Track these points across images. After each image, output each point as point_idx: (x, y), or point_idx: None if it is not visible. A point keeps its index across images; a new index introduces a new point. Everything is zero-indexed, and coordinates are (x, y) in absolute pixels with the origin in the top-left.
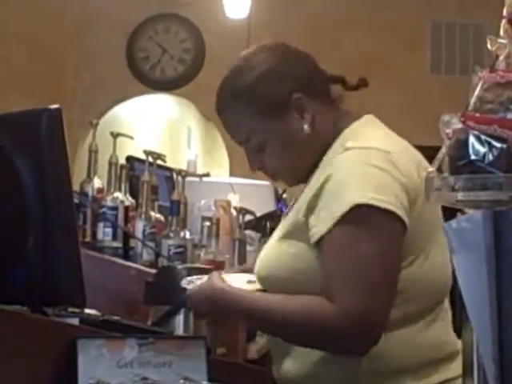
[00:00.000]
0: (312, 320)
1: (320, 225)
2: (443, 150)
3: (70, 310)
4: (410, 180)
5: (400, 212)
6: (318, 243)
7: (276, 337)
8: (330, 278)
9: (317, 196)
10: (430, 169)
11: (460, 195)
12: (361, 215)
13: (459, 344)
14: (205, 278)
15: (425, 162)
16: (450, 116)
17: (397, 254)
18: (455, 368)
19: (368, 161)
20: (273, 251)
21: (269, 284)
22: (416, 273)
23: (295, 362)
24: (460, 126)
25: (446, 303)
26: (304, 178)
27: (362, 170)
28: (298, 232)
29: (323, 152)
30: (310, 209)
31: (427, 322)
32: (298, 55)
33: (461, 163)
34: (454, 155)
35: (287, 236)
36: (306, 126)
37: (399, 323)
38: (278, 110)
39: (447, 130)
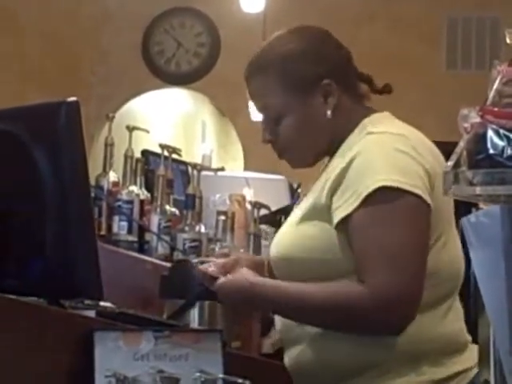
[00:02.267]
0: (345, 305)
1: (345, 205)
2: (461, 144)
3: (87, 302)
4: (431, 166)
5: (424, 195)
6: (342, 223)
7: (311, 325)
8: (360, 257)
9: (341, 176)
10: (449, 163)
11: (478, 189)
12: (387, 197)
13: (468, 335)
14: (217, 261)
15: (441, 156)
16: (469, 110)
17: (425, 235)
18: (467, 359)
19: (393, 145)
20: (290, 234)
21: (286, 265)
22: (435, 258)
23: (308, 348)
24: (478, 120)
25: (457, 293)
26: (310, 162)
27: (387, 153)
28: (319, 213)
29: (339, 141)
30: (333, 189)
31: (444, 310)
32: (337, 44)
33: (479, 157)
34: (472, 149)
35: (306, 218)
36: (328, 112)
37: (421, 309)
38: (305, 89)
39: (465, 124)
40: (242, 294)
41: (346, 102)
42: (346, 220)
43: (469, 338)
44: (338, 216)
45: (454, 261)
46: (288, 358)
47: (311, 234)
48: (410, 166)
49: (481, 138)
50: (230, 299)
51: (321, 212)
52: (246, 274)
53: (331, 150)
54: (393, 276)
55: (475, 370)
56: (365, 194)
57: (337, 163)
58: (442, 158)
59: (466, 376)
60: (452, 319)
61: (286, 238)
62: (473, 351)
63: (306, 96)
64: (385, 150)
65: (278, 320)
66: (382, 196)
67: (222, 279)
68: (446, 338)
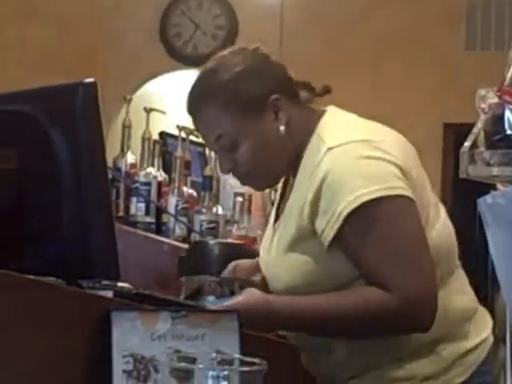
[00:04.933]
0: (373, 312)
1: (328, 226)
2: (479, 125)
3: (104, 282)
4: (400, 159)
5: (406, 192)
6: (334, 243)
7: (336, 337)
8: (371, 268)
9: (316, 199)
10: (465, 143)
11: (495, 170)
12: (371, 209)
13: (476, 302)
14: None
15: (407, 143)
16: (486, 90)
17: (421, 229)
18: (481, 329)
19: (359, 153)
20: (282, 265)
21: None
22: (429, 240)
23: (336, 351)
24: (496, 100)
25: (458, 262)
26: (275, 182)
27: (355, 164)
28: (304, 238)
29: (296, 156)
30: (313, 214)
31: (452, 284)
32: (272, 58)
33: (496, 138)
34: (489, 130)
35: (294, 244)
36: (281, 127)
37: None
38: (254, 109)
39: (483, 105)
40: (258, 313)
41: (295, 114)
42: (336, 240)
43: (478, 304)
44: (326, 239)
45: (445, 234)
46: (317, 367)
47: (303, 260)
48: (383, 169)
49: (498, 119)
50: (248, 321)
51: (306, 237)
52: (255, 292)
53: (292, 166)
54: (411, 276)
55: (491, 339)
56: (345, 213)
57: (305, 185)
58: (408, 144)
59: (486, 346)
60: (462, 288)
61: (280, 271)
62: (484, 317)
63: (257, 116)
64: (353, 162)
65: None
66: (368, 209)
67: (231, 300)
68: (465, 306)
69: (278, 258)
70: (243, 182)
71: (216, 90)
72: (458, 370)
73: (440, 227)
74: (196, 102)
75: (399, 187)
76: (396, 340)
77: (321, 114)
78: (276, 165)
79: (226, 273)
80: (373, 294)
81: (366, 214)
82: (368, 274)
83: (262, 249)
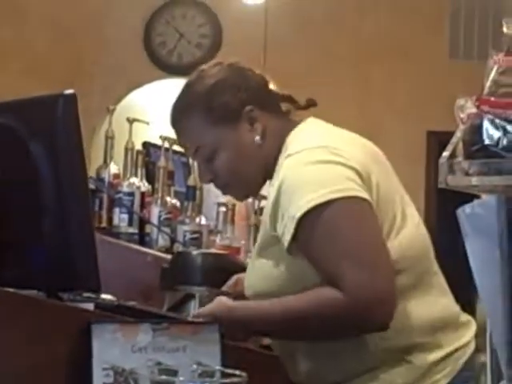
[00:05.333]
0: (327, 313)
1: (285, 230)
2: (457, 135)
3: (85, 295)
4: (361, 164)
5: (360, 193)
6: (292, 247)
7: (297, 340)
8: (324, 268)
9: (276, 205)
10: (444, 153)
11: (474, 180)
12: (323, 212)
13: (458, 308)
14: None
15: (376, 150)
16: (465, 100)
17: (376, 228)
18: (462, 335)
19: (312, 159)
20: (253, 270)
21: (262, 299)
22: (395, 246)
23: (306, 359)
24: (474, 110)
25: (436, 268)
26: (254, 191)
27: (308, 170)
28: (271, 243)
29: (272, 164)
30: (273, 219)
31: (426, 289)
32: (250, 72)
33: (475, 148)
34: (468, 140)
35: (263, 249)
36: (257, 138)
37: (403, 295)
38: (229, 120)
39: (462, 115)
40: (223, 321)
41: (272, 125)
42: (293, 244)
43: (459, 310)
44: (285, 244)
45: (415, 240)
46: (291, 372)
47: (269, 264)
48: (333, 172)
49: (477, 129)
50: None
51: (271, 241)
52: (222, 300)
53: (269, 175)
54: (362, 274)
55: (473, 345)
56: (298, 216)
57: (271, 192)
58: (376, 153)
59: (465, 352)
60: (436, 295)
61: (250, 275)
62: (468, 324)
63: (233, 126)
64: (306, 168)
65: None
66: (318, 213)
67: (196, 311)
68: (436, 315)
69: (251, 263)
70: (224, 192)
71: (193, 103)
72: (434, 378)
73: (409, 232)
74: (176, 114)
75: (351, 188)
76: (365, 349)
77: (296, 124)
78: (253, 175)
79: (227, 286)
80: (325, 294)
81: (316, 218)
82: (323, 274)
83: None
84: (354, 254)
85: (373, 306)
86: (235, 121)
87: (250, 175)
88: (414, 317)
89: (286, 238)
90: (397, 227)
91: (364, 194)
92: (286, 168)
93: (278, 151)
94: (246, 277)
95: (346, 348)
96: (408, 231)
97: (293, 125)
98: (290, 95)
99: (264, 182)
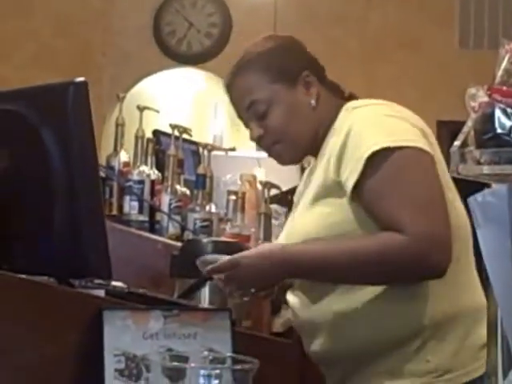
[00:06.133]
0: (388, 253)
1: (351, 174)
2: (469, 124)
3: (96, 281)
4: (422, 126)
5: (425, 147)
6: (355, 192)
7: (348, 282)
8: (387, 213)
9: (341, 151)
10: (456, 142)
11: (485, 169)
12: (390, 156)
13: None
14: (222, 258)
15: (429, 129)
16: (476, 89)
17: (439, 181)
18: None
19: (381, 112)
20: (306, 216)
21: None
22: (450, 210)
23: (335, 332)
24: (486, 99)
25: (471, 259)
26: (299, 155)
27: (378, 120)
28: (329, 191)
29: (323, 132)
30: (338, 165)
31: (464, 271)
32: (305, 47)
33: (486, 137)
34: (479, 129)
35: (318, 198)
36: (312, 101)
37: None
38: (287, 80)
39: (473, 104)
40: (272, 259)
41: (324, 95)
42: (357, 188)
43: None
44: (348, 186)
45: (464, 217)
46: (314, 346)
47: (327, 212)
48: (403, 126)
49: (488, 118)
50: (256, 267)
51: (331, 189)
52: (270, 243)
53: (317, 143)
54: (428, 221)
55: None
56: (366, 156)
57: (331, 145)
58: (429, 130)
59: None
60: (472, 276)
61: (303, 222)
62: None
63: (290, 86)
64: (375, 118)
65: (296, 309)
66: (386, 155)
67: (244, 252)
68: (470, 296)
69: (300, 214)
70: (269, 152)
71: (253, 60)
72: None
73: (459, 206)
74: (232, 74)
75: (418, 141)
76: (409, 322)
77: (347, 99)
78: (303, 135)
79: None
80: (387, 236)
81: (384, 159)
82: (383, 217)
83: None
84: (417, 200)
85: (433, 250)
86: (292, 82)
87: (300, 135)
88: (460, 287)
89: (352, 180)
90: (450, 199)
91: (428, 149)
92: (354, 117)
93: (331, 120)
94: (295, 223)
95: (394, 311)
96: (459, 205)
97: (343, 99)
98: (338, 85)
99: (310, 150)
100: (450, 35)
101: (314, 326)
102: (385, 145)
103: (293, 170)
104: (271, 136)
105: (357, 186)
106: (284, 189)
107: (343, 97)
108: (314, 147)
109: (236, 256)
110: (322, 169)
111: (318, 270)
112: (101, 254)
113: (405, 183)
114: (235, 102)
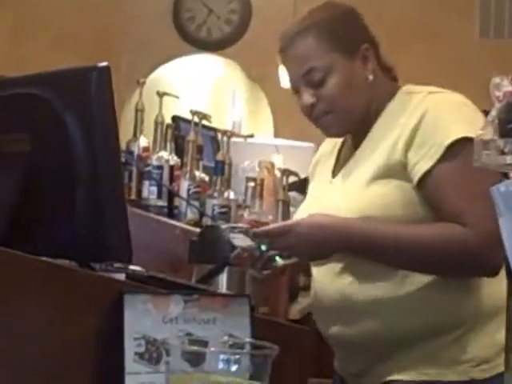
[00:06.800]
0: (453, 247)
1: (424, 159)
2: (493, 113)
3: (117, 265)
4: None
5: None
6: (424, 178)
7: (402, 267)
8: (453, 204)
9: (413, 133)
10: (480, 131)
11: (509, 159)
12: (467, 146)
13: None
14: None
15: None
16: (501, 78)
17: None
18: None
19: (461, 100)
20: (361, 194)
21: None
22: None
23: (376, 317)
24: (511, 88)
25: None
26: (348, 128)
27: (456, 108)
28: (391, 171)
29: (375, 110)
30: (408, 146)
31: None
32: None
33: (510, 126)
34: (503, 118)
35: (376, 178)
36: (370, 76)
37: None
38: (348, 51)
39: (497, 93)
40: (331, 230)
41: (378, 71)
42: (427, 173)
43: None
44: (420, 170)
45: None
46: (345, 328)
47: (385, 192)
48: (479, 119)
49: None
50: (311, 236)
51: (393, 170)
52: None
53: (365, 119)
54: (491, 219)
55: None
56: (446, 144)
57: (394, 126)
58: None
59: None
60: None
61: (357, 199)
62: None
63: (349, 58)
64: (452, 105)
65: (328, 287)
66: (462, 146)
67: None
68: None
69: (355, 189)
70: (319, 122)
71: (317, 24)
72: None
73: None
74: (293, 34)
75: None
76: (455, 312)
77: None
78: (356, 108)
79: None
80: (453, 227)
81: (462, 149)
82: (448, 208)
83: (306, 209)
84: (484, 195)
85: (494, 249)
86: (352, 54)
87: (353, 109)
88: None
89: (426, 165)
90: None
91: None
92: (432, 101)
93: (384, 100)
94: (347, 200)
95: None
96: None
97: (394, 83)
98: (393, 67)
99: (357, 125)
100: (471, 25)
101: (352, 307)
102: (464, 134)
103: (311, 157)
104: (324, 105)
105: (428, 172)
106: (302, 176)
107: (395, 79)
108: (362, 123)
109: (288, 222)
110: (384, 149)
111: (376, 251)
112: (122, 237)
113: (475, 177)
114: (290, 66)
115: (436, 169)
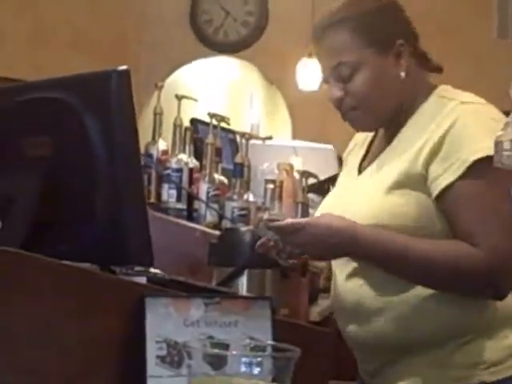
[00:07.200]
0: (461, 262)
1: (447, 173)
2: None
3: (137, 269)
4: None
5: None
6: (444, 192)
7: (412, 280)
8: (469, 223)
9: (439, 144)
10: (499, 132)
11: None
12: (489, 166)
13: None
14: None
15: None
16: None
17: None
18: None
19: (488, 114)
20: (378, 202)
21: None
22: None
23: (392, 319)
24: None
25: None
26: (376, 124)
27: (484, 122)
28: (410, 182)
29: (406, 108)
30: (430, 158)
31: None
32: (404, 11)
33: None
34: None
35: (395, 187)
36: (402, 73)
37: None
38: (381, 47)
39: None
40: (342, 234)
41: (413, 69)
42: (447, 188)
43: None
44: (440, 184)
45: None
46: (362, 330)
47: (402, 202)
48: None
49: None
50: (322, 238)
51: (413, 181)
52: (346, 221)
53: (396, 117)
54: (506, 241)
55: None
56: (471, 160)
57: (422, 132)
58: None
59: None
60: None
61: (375, 205)
62: None
63: (382, 53)
64: (482, 119)
65: (350, 288)
66: (486, 165)
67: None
68: None
69: (372, 196)
70: (347, 116)
71: (351, 17)
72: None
73: None
74: (327, 25)
75: None
76: (468, 317)
77: (433, 70)
78: (384, 106)
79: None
80: (464, 247)
81: (487, 166)
82: (463, 226)
83: (329, 203)
84: (504, 220)
85: (504, 273)
86: (385, 50)
87: (381, 106)
88: None
89: (447, 179)
90: None
91: None
92: (462, 112)
93: (416, 98)
94: (363, 208)
95: (449, 309)
96: None
97: (428, 81)
98: (426, 54)
99: (386, 123)
100: (489, 25)
101: (364, 309)
102: (490, 153)
103: (329, 159)
104: (351, 101)
105: (448, 187)
106: (321, 178)
107: (431, 67)
108: (392, 121)
109: (301, 220)
110: (409, 155)
111: (381, 261)
112: (143, 241)
113: (495, 198)
114: (321, 57)
115: (457, 185)
